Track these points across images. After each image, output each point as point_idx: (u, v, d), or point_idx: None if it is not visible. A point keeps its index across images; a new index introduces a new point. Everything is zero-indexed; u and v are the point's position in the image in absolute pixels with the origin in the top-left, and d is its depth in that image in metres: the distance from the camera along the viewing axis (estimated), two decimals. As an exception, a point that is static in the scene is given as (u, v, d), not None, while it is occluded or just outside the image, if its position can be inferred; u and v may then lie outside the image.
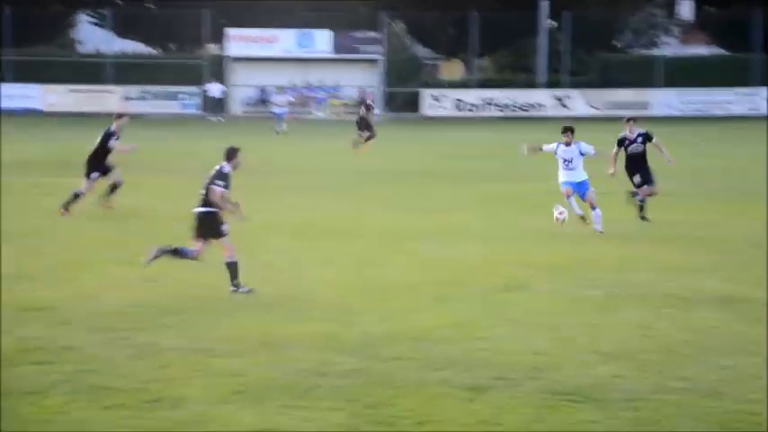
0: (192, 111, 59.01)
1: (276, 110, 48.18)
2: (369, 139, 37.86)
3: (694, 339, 11.24)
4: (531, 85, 61.51)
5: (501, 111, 59.85)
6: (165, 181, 26.55)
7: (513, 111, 59.77)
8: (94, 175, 20.79)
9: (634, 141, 20.29)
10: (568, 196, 19.04)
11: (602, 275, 14.84)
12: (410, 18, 65.30)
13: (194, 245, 13.73)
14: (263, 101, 60.34)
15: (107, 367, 10.06)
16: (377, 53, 60.85)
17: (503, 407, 8.98)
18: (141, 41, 67.64)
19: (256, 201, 23.09)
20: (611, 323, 12.03)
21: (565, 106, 59.76)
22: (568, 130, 19.15)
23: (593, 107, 59.80)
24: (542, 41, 61.65)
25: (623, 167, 20.43)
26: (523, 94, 60.63)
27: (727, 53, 66.31)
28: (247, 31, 60.09)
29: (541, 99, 60.31)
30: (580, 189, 18.98)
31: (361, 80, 61.22)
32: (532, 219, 20.40)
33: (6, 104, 56.29)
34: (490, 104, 60.19)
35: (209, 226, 13.60)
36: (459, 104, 60.63)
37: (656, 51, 66.09)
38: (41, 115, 55.66)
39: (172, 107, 59.26)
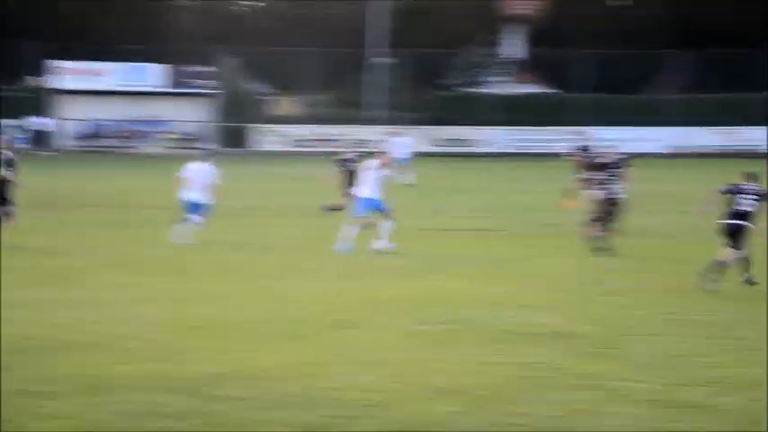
0: (19, 144, 57.30)
1: (398, 153, 37.09)
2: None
3: (527, 375, 11.40)
4: (362, 121, 62.17)
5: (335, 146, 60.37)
6: None
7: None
8: None
9: None
10: None
11: (436, 311, 14.96)
12: (243, 53, 65.18)
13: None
14: (95, 135, 59.29)
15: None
16: (210, 87, 60.53)
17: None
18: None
19: (85, 238, 22.66)
20: (446, 359, 12.11)
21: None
22: None
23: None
24: (372, 78, 62.54)
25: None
26: (355, 131, 61.48)
27: (555, 92, 68.36)
28: (77, 64, 58.91)
29: (371, 136, 61.15)
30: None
31: (195, 115, 60.77)
32: (366, 254, 20.55)
33: None
34: (324, 140, 60.53)
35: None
36: (293, 140, 60.75)
37: (485, 90, 67.51)
38: None
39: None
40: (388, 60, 63.16)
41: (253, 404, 10.08)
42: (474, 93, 67.57)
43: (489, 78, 68.81)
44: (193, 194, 21.84)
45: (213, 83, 60.57)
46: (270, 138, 60.61)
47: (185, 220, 21.72)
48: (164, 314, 14.47)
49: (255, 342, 12.86)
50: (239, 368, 11.46)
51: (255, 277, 17.85)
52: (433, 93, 64.98)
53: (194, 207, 21.79)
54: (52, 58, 58.58)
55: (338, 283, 17.32)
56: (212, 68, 60.91)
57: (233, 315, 14.48)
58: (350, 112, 64.12)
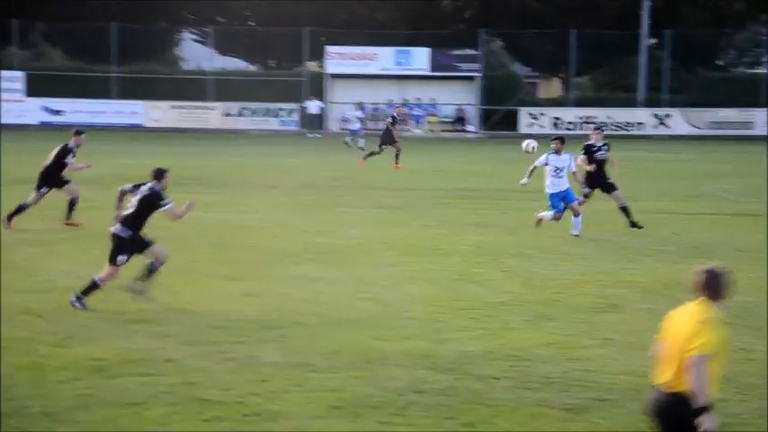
0: (291, 127, 59.69)
1: (351, 126, 49.05)
2: (397, 155, 37.53)
3: (797, 364, 11.03)
4: (630, 103, 60.97)
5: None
6: (263, 196, 26.87)
7: (612, 129, 59.29)
8: (44, 189, 20.62)
9: (600, 149, 21.65)
10: (558, 219, 20.37)
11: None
12: (508, 36, 65.18)
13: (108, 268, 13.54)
14: (360, 118, 60.81)
15: (207, 380, 10.22)
16: (474, 71, 60.86)
17: (602, 428, 8.92)
18: (242, 59, 68.77)
19: (351, 217, 23.33)
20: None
21: (665, 125, 59.10)
22: (558, 139, 20.51)
23: (693, 126, 59.04)
24: (642, 60, 61.08)
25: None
26: (622, 113, 60.10)
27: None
28: (346, 48, 60.64)
29: (641, 118, 59.73)
30: (567, 195, 20.33)
31: (459, 97, 61.31)
32: (628, 238, 20.28)
33: (111, 120, 57.61)
34: (588, 123, 59.75)
35: (136, 245, 13.59)
36: (556, 122, 60.33)
37: (760, 70, 65.00)
38: (144, 131, 56.76)
39: (271, 123, 59.99)
40: (648, 41, 61.64)
41: (511, 384, 10.22)
42: (742, 73, 65.25)
43: (762, 58, 66.25)
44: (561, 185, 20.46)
45: (477, 65, 60.90)
46: (532, 120, 60.47)
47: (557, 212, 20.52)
48: (427, 293, 14.78)
49: (512, 323, 12.97)
50: (497, 348, 11.61)
51: (509, 257, 17.93)
52: (698, 73, 63.08)
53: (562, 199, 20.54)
54: (329, 44, 60.57)
55: (591, 266, 17.18)
56: (476, 51, 61.25)
57: (490, 295, 14.64)
58: (614, 95, 63.16)
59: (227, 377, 10.34)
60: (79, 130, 21.92)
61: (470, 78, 61.02)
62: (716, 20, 62.18)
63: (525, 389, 10.03)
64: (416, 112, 61.67)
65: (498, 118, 61.09)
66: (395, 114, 40.18)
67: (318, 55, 62.13)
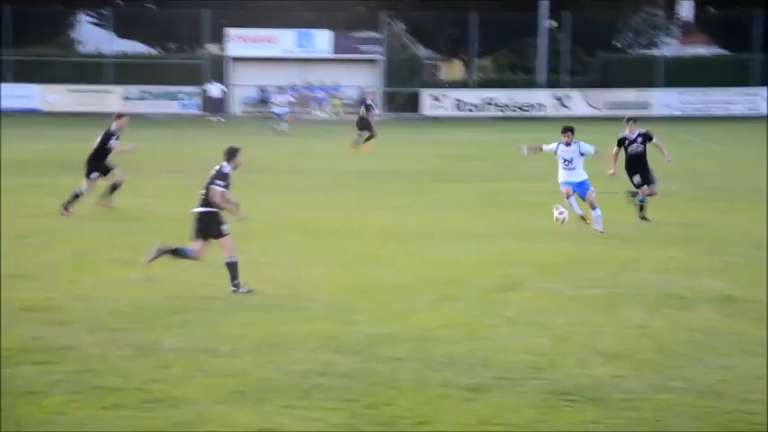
0: (193, 111, 59.07)
1: (276, 110, 48.57)
2: (369, 138, 37.99)
3: (693, 339, 11.26)
4: (530, 85, 61.56)
5: (501, 111, 59.88)
6: (165, 181, 26.59)
7: (513, 111, 59.80)
8: (94, 175, 20.93)
9: (634, 141, 20.59)
10: (568, 196, 19.12)
11: (600, 275, 14.89)
12: (410, 18, 65.28)
13: (194, 245, 13.78)
14: (262, 101, 60.32)
15: (107, 367, 10.07)
16: (377, 53, 60.87)
17: (503, 407, 9.00)
18: (141, 41, 67.77)
19: (256, 200, 23.17)
20: (610, 322, 12.05)
21: (565, 106, 59.78)
22: (568, 130, 19.19)
23: (593, 107, 59.84)
24: (542, 41, 61.69)
25: (623, 167, 20.63)
26: (523, 94, 60.66)
27: (727, 53, 66.34)
28: (247, 31, 60.18)
29: (541, 99, 60.34)
30: (580, 189, 19.08)
31: (361, 80, 61.25)
32: (530, 218, 20.47)
33: (6, 104, 56.34)
34: (490, 104, 60.22)
35: (208, 226, 13.68)
36: (458, 104, 60.69)
37: (656, 51, 66.15)
38: (41, 115, 55.67)
39: (172, 107, 59.30)
40: (549, 23, 62.32)
41: (417, 365, 10.25)
42: (640, 54, 66.30)
43: (658, 40, 67.44)
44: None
45: (379, 48, 60.91)
46: (435, 103, 60.73)
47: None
48: (332, 275, 14.76)
49: (417, 304, 13.02)
50: (403, 330, 11.64)
51: (413, 239, 18.00)
52: (597, 55, 63.94)
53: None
54: (228, 26, 59.96)
55: (494, 246, 17.34)
56: (379, 34, 61.25)
57: (395, 277, 14.68)
58: (514, 76, 63.74)
59: (128, 364, 10.20)
60: (120, 113, 22.22)
61: (373, 61, 61.05)
62: (613, 2, 63.04)
63: (429, 369, 10.08)
64: (319, 94, 61.51)
65: (402, 100, 61.23)
66: (368, 101, 40.51)
67: (219, 37, 61.53)
